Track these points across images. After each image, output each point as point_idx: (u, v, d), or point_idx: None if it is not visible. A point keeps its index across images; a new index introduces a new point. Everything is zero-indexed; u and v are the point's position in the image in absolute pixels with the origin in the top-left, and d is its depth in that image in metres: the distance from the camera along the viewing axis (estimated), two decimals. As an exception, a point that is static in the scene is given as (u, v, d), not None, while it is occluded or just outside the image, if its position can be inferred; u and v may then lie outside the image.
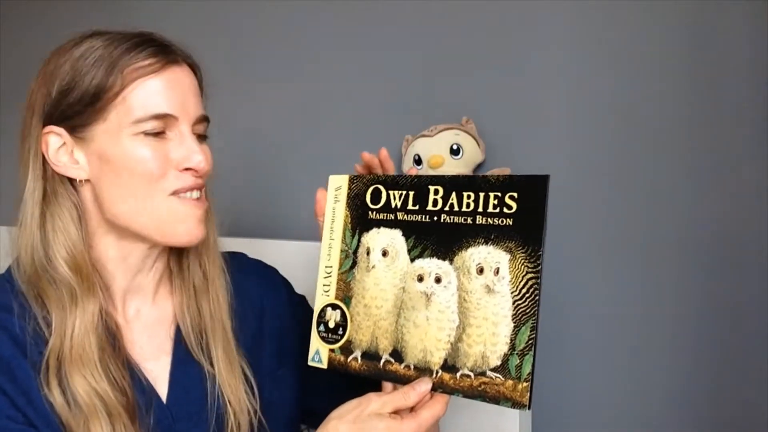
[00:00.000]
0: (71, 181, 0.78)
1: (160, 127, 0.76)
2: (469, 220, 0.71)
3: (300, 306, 0.95)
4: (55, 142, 0.77)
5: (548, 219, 0.67)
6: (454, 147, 1.21)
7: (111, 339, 0.77)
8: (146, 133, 0.75)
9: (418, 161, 1.24)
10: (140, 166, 0.75)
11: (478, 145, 1.23)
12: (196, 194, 0.79)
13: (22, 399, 0.71)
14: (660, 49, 1.12)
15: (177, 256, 0.86)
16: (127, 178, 0.75)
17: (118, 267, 0.81)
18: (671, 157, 1.11)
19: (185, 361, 0.82)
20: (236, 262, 0.90)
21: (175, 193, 0.77)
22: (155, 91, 0.75)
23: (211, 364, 0.82)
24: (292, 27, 1.50)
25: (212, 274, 0.85)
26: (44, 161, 0.77)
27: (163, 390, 0.80)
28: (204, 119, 0.81)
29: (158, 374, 0.81)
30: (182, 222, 0.77)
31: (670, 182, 1.12)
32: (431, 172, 1.20)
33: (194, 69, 0.82)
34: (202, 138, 0.81)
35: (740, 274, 1.07)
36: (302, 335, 0.84)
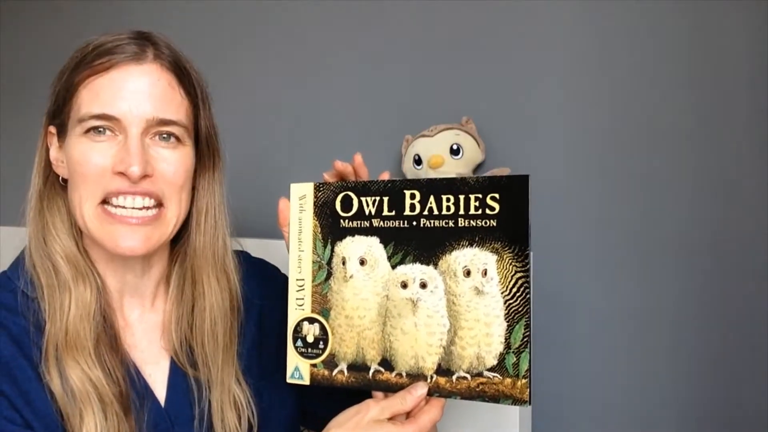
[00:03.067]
0: (65, 179, 0.79)
1: (104, 128, 0.74)
2: (451, 223, 0.71)
3: None
4: (56, 141, 0.79)
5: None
6: (454, 147, 1.20)
7: (110, 333, 0.77)
8: (89, 134, 0.74)
9: (418, 161, 1.22)
10: (78, 165, 0.75)
11: (478, 145, 1.23)
12: (131, 201, 0.75)
13: (20, 400, 0.71)
14: (660, 50, 1.13)
15: (179, 265, 0.83)
16: (73, 179, 0.76)
17: (106, 268, 0.80)
18: (671, 158, 1.13)
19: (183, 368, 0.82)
20: (239, 263, 0.88)
21: (105, 199, 0.75)
22: (98, 90, 0.74)
23: (206, 375, 0.81)
24: (293, 27, 1.47)
25: (210, 288, 0.82)
26: (48, 158, 0.80)
27: (161, 394, 0.80)
28: (166, 123, 0.76)
29: (157, 378, 0.80)
30: (108, 231, 0.75)
31: (670, 182, 1.12)
32: (431, 173, 1.19)
33: (172, 70, 0.77)
34: (171, 143, 0.77)
35: (740, 274, 1.08)
36: None
